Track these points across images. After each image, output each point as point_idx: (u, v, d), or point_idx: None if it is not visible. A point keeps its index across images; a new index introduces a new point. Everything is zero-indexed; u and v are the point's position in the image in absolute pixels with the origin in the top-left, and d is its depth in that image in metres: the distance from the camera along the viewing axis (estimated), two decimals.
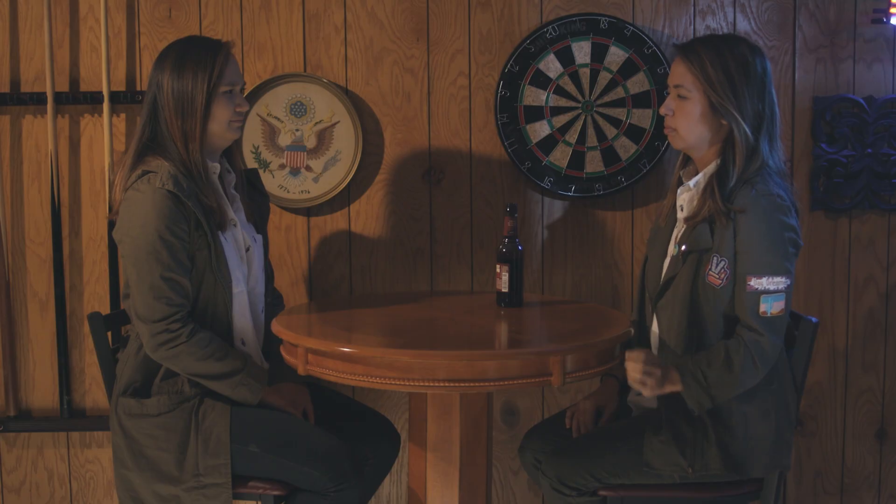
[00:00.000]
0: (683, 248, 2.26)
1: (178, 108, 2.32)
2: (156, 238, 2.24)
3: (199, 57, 2.32)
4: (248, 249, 2.44)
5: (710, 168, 2.28)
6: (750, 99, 2.22)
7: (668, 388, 2.20)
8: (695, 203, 2.28)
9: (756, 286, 2.16)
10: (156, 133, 2.35)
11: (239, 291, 2.39)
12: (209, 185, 2.34)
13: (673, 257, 2.31)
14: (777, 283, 2.16)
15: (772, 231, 2.17)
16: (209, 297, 2.33)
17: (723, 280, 2.20)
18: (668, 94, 2.33)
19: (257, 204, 2.56)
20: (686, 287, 2.25)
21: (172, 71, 2.32)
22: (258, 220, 2.55)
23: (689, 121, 2.26)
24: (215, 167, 2.40)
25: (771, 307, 2.17)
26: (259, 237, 2.51)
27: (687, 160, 2.39)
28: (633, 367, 2.16)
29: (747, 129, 2.21)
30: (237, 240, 2.41)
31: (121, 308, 2.50)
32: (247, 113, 2.46)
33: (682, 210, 2.34)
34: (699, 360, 2.19)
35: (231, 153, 2.49)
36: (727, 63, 2.22)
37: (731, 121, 2.22)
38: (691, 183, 2.31)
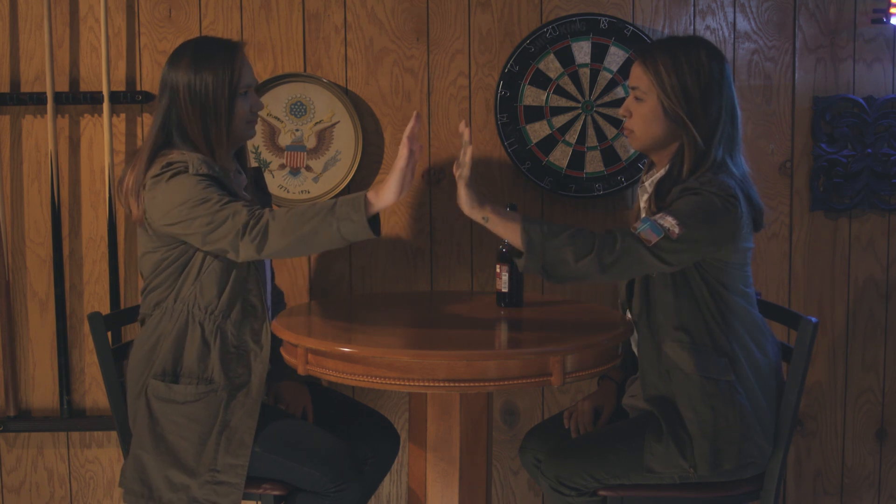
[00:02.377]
0: None
1: (199, 111, 2.30)
2: (202, 188, 2.21)
3: (217, 58, 2.31)
4: None
5: (662, 171, 2.30)
6: (703, 104, 2.23)
7: (488, 213, 2.19)
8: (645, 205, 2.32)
9: (654, 217, 2.17)
10: (170, 136, 2.33)
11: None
12: (233, 187, 2.34)
13: None
14: (666, 220, 2.15)
15: (698, 198, 2.16)
16: (240, 286, 2.33)
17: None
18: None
19: (262, 202, 2.56)
20: (642, 280, 2.29)
21: (191, 73, 2.30)
22: None
23: (645, 123, 2.28)
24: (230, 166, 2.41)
25: (644, 229, 2.15)
26: None
27: (652, 164, 2.41)
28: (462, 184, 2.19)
29: (696, 135, 2.22)
30: None
31: (125, 306, 2.50)
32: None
33: (643, 212, 2.36)
34: (545, 225, 2.19)
35: (241, 154, 2.50)
36: (681, 68, 2.23)
37: (680, 125, 2.23)
38: (647, 184, 2.34)
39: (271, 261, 2.62)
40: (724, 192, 2.16)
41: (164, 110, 2.34)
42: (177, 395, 2.30)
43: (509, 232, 2.19)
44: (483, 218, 2.21)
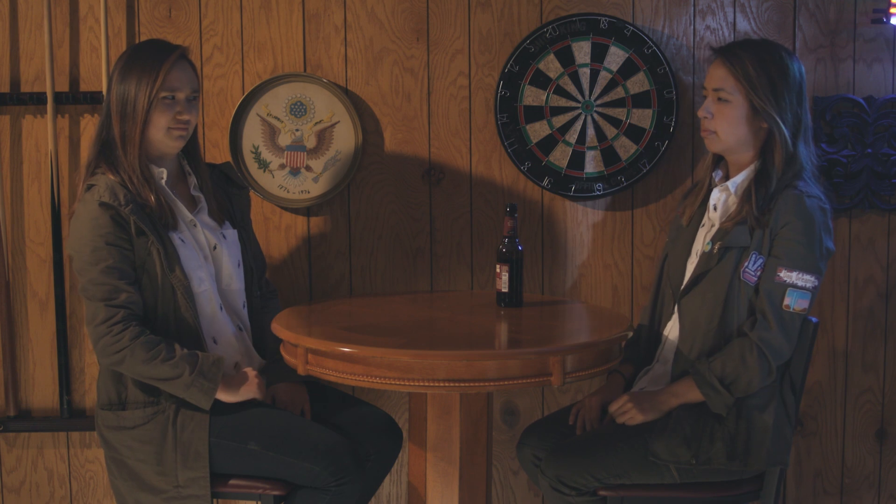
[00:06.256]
0: (718, 245, 2.28)
1: (121, 112, 2.34)
2: (92, 248, 2.27)
3: (146, 62, 2.34)
4: (214, 248, 2.45)
5: (749, 171, 2.31)
6: (790, 104, 2.26)
7: (675, 402, 2.27)
8: (733, 204, 2.32)
9: (785, 278, 2.20)
10: (108, 139, 2.37)
11: (203, 290, 2.38)
12: (153, 190, 2.34)
13: (704, 254, 2.33)
14: (806, 280, 2.20)
15: (810, 230, 2.21)
16: (169, 300, 2.33)
17: (757, 278, 2.25)
18: (704, 96, 2.37)
19: (235, 198, 2.58)
20: (722, 283, 2.28)
21: (119, 74, 2.35)
22: (235, 214, 2.56)
23: (730, 124, 2.30)
24: (161, 172, 2.39)
25: (795, 303, 2.21)
26: (233, 233, 2.51)
27: (717, 162, 2.41)
28: (621, 411, 2.31)
29: (787, 134, 2.25)
30: (198, 240, 2.42)
31: None
32: (191, 123, 2.40)
33: (714, 210, 2.36)
34: (714, 365, 2.22)
35: (193, 155, 2.50)
36: (768, 67, 2.26)
37: (772, 124, 2.26)
38: (730, 185, 2.34)
39: (260, 255, 2.65)
40: (824, 207, 2.24)
41: (104, 113, 2.39)
42: (126, 422, 2.32)
43: (691, 398, 2.28)
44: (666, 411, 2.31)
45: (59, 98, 2.91)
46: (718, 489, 2.28)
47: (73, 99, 2.91)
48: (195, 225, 2.43)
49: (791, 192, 2.23)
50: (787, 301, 2.20)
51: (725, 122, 2.30)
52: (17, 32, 2.93)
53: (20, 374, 3.03)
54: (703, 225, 2.42)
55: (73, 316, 3.01)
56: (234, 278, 2.48)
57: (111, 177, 2.33)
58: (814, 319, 2.27)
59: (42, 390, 3.04)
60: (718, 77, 2.31)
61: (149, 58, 2.35)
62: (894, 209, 3.01)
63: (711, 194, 2.40)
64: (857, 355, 3.07)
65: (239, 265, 2.51)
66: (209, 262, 2.43)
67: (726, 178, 2.40)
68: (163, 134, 2.36)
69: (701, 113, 2.34)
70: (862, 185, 2.98)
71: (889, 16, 2.91)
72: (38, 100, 2.91)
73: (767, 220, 2.23)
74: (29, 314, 3.02)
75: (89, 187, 2.32)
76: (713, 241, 2.32)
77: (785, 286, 2.20)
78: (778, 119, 2.25)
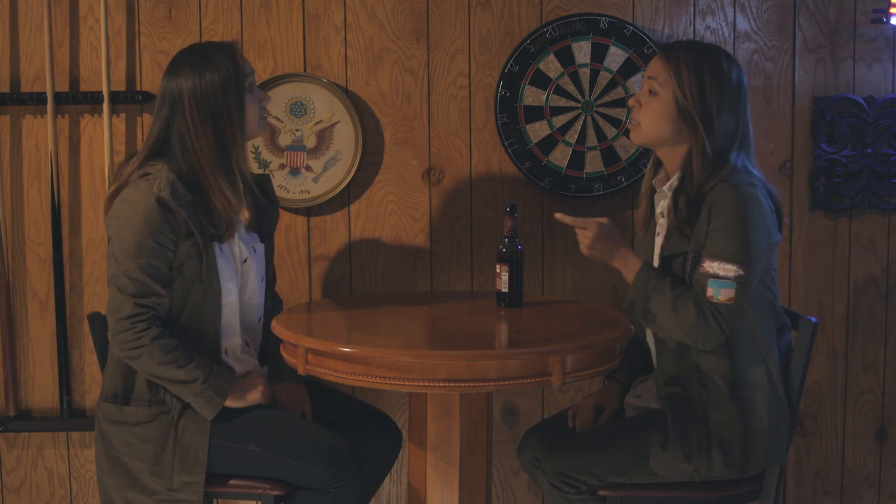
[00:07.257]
0: (661, 257, 2.28)
1: (209, 114, 2.27)
2: (138, 241, 2.23)
3: (218, 59, 2.29)
4: (244, 261, 2.41)
5: (676, 177, 2.30)
6: (718, 110, 2.23)
7: (617, 266, 2.28)
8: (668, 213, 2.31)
9: (707, 269, 2.17)
10: (166, 147, 2.31)
11: (229, 302, 2.36)
12: (237, 195, 2.31)
13: (660, 264, 2.32)
14: (727, 269, 2.15)
15: (735, 220, 2.16)
16: (197, 306, 2.31)
17: None
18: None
19: (266, 211, 2.53)
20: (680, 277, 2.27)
21: (194, 78, 2.27)
22: (264, 227, 2.52)
23: (653, 117, 2.29)
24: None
25: (718, 293, 2.16)
26: (261, 247, 2.48)
27: (657, 166, 2.40)
28: (584, 236, 2.27)
29: (706, 139, 2.22)
30: (234, 252, 2.39)
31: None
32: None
33: (662, 216, 2.35)
34: (663, 282, 2.22)
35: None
36: (701, 69, 2.24)
37: (690, 126, 2.23)
38: (667, 188, 2.33)
39: (273, 268, 2.61)
40: (752, 193, 2.18)
41: (163, 122, 2.31)
42: (128, 417, 2.30)
43: (627, 277, 2.27)
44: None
45: (59, 98, 2.91)
46: (718, 489, 2.28)
47: (73, 99, 2.91)
48: (233, 235, 2.38)
49: (719, 186, 2.20)
50: (709, 292, 2.16)
51: (651, 115, 2.29)
52: (17, 32, 2.93)
53: (20, 374, 3.03)
54: (658, 234, 2.40)
55: (73, 316, 3.01)
56: (257, 292, 2.46)
57: (168, 170, 2.27)
58: (813, 319, 2.26)
59: (42, 390, 3.04)
60: (653, 69, 2.30)
61: (219, 54, 2.30)
62: (894, 209, 3.01)
63: (655, 201, 2.39)
64: (857, 355, 3.07)
65: (262, 280, 2.48)
66: (238, 276, 2.39)
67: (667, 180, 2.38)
68: (255, 126, 2.36)
69: (631, 101, 2.34)
70: (862, 185, 2.98)
71: (889, 16, 2.91)
72: (38, 100, 2.91)
73: (698, 220, 2.21)
74: (29, 314, 3.02)
75: (145, 174, 2.26)
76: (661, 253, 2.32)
77: (706, 276, 2.17)
78: (699, 122, 2.22)
